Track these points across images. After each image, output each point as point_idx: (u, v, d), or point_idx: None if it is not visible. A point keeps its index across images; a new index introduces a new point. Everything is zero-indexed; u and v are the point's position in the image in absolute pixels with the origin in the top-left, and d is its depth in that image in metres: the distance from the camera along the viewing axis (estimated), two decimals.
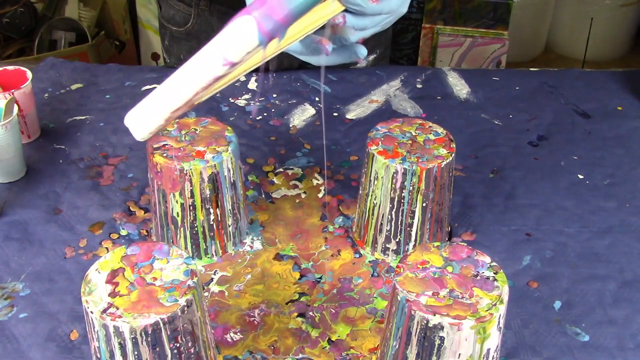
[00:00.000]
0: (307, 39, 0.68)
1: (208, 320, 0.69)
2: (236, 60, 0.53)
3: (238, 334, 0.79)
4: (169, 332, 0.62)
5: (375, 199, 0.85)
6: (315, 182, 1.00)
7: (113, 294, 0.63)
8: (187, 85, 0.57)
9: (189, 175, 0.81)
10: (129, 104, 1.14)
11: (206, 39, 1.34)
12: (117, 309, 0.62)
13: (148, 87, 1.18)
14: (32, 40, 2.21)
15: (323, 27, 0.68)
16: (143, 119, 0.63)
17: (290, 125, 1.11)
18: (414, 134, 0.86)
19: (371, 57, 1.27)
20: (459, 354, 0.64)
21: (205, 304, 0.70)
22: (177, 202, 0.83)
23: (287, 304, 0.83)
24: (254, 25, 0.51)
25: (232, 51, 0.53)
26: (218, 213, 0.85)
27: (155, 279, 0.65)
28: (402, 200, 0.83)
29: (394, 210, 0.84)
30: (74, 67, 1.24)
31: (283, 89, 1.18)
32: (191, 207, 0.83)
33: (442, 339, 0.63)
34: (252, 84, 1.19)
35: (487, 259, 0.68)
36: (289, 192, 0.98)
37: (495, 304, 0.63)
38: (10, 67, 1.06)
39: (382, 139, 0.85)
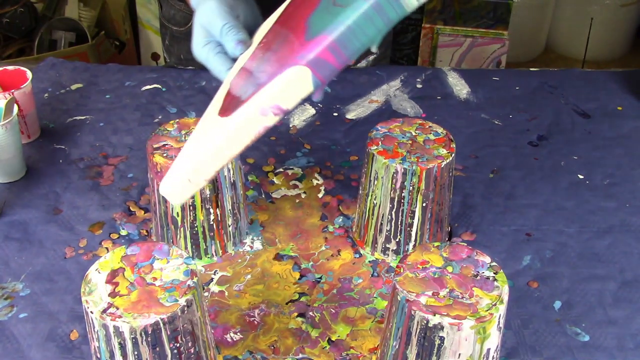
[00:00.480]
0: None
1: (208, 320, 0.69)
2: (290, 108, 0.54)
3: (238, 334, 0.79)
4: (169, 332, 0.62)
5: (375, 199, 0.85)
6: (315, 182, 1.00)
7: (113, 294, 0.63)
8: (235, 142, 0.57)
9: None
10: (129, 104, 1.15)
11: None
12: (117, 309, 0.62)
13: (148, 87, 1.18)
14: (32, 40, 2.21)
15: None
16: (184, 185, 0.62)
17: (290, 125, 1.11)
18: (414, 134, 0.86)
19: (371, 57, 1.27)
20: (459, 354, 0.64)
21: (205, 304, 0.70)
22: None
23: (287, 304, 0.83)
24: (309, 74, 0.52)
25: (287, 100, 0.54)
26: (218, 213, 0.85)
27: (155, 279, 0.65)
28: (402, 200, 0.83)
29: (394, 210, 0.84)
30: (74, 67, 1.24)
31: None
32: (191, 207, 0.83)
33: (442, 339, 0.63)
34: None
35: (487, 259, 0.68)
36: (289, 192, 0.98)
37: (495, 304, 0.63)
38: (10, 67, 1.06)
39: (382, 139, 0.85)
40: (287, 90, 0.54)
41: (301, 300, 0.83)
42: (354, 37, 0.51)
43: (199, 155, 0.61)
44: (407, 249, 0.87)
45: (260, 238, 0.91)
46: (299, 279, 0.86)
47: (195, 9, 0.79)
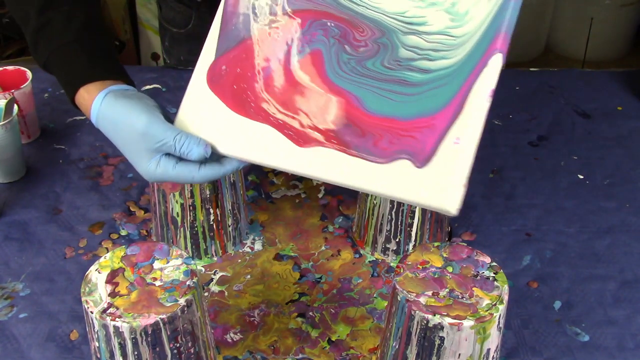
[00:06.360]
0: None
1: (208, 320, 0.69)
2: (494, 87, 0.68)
3: (238, 334, 0.79)
4: (169, 332, 0.62)
5: (375, 199, 0.85)
6: (315, 182, 1.00)
7: (113, 294, 0.63)
8: (477, 131, 0.67)
9: None
10: None
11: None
12: (117, 309, 0.62)
13: (148, 87, 1.18)
14: None
15: None
16: (462, 193, 0.66)
17: None
18: None
19: None
20: (459, 354, 0.64)
21: (205, 304, 0.70)
22: (177, 202, 0.83)
23: (287, 304, 0.83)
24: (500, 57, 0.67)
25: (494, 82, 0.67)
26: (218, 213, 0.85)
27: (155, 279, 0.65)
28: None
29: (394, 210, 0.84)
30: None
31: None
32: (191, 207, 0.83)
33: (442, 339, 0.63)
34: None
35: (487, 259, 0.68)
36: (289, 192, 0.98)
37: (495, 304, 0.63)
38: (10, 67, 1.06)
39: None
40: (494, 74, 0.67)
41: (301, 300, 0.83)
42: (513, 25, 0.67)
43: (466, 162, 0.66)
44: (407, 249, 0.87)
45: (260, 238, 0.91)
46: (299, 279, 0.86)
47: (109, 131, 0.74)
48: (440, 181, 0.65)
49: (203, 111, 0.74)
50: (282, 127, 0.70)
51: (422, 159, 0.66)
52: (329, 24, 0.72)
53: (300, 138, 0.70)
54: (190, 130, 0.73)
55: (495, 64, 0.66)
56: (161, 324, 0.62)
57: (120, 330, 0.61)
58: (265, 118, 0.71)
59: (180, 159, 0.72)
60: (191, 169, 0.72)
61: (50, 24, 0.78)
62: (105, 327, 0.61)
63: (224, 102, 0.73)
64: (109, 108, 0.73)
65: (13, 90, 1.00)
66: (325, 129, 0.69)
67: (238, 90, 0.73)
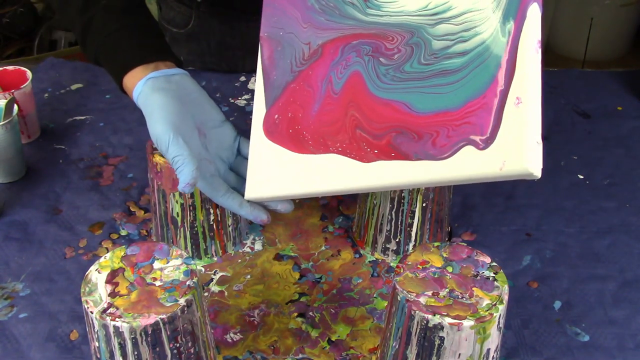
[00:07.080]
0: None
1: (208, 320, 0.69)
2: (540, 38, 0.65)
3: (238, 334, 0.79)
4: (169, 332, 0.62)
5: (375, 199, 0.85)
6: None
7: (113, 294, 0.63)
8: (535, 79, 0.64)
9: None
10: (129, 104, 1.14)
11: (207, 40, 1.33)
12: (117, 309, 0.62)
13: None
14: (32, 40, 2.21)
15: None
16: (536, 149, 0.64)
17: None
18: None
19: None
20: (459, 354, 0.64)
21: (205, 304, 0.70)
22: (177, 202, 0.83)
23: (287, 304, 0.83)
24: (537, 7, 0.65)
25: (539, 32, 0.65)
26: (218, 213, 0.85)
27: (155, 279, 0.65)
28: (402, 201, 0.83)
29: (394, 210, 0.84)
30: (74, 67, 1.24)
31: None
32: (191, 207, 0.83)
33: (442, 339, 0.63)
34: (252, 84, 1.19)
35: (487, 259, 0.68)
36: None
37: (495, 304, 0.63)
38: (10, 67, 1.06)
39: None
40: (536, 25, 0.65)
41: (301, 300, 0.83)
42: None
43: (534, 119, 0.63)
44: (407, 249, 0.87)
45: (260, 238, 0.91)
46: (299, 279, 0.86)
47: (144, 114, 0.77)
48: (513, 148, 0.63)
49: (269, 163, 0.77)
50: (344, 152, 0.72)
51: (483, 141, 0.65)
52: (359, 44, 0.73)
53: (363, 156, 0.71)
54: (263, 188, 0.78)
55: (534, 14, 0.65)
56: (161, 324, 0.62)
57: (120, 330, 0.61)
58: (326, 149, 0.73)
59: None
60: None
61: (92, 20, 0.81)
62: (105, 327, 0.61)
63: (285, 147, 0.76)
64: (143, 99, 0.77)
65: (13, 90, 1.00)
66: (381, 144, 0.70)
67: (294, 133, 0.76)
